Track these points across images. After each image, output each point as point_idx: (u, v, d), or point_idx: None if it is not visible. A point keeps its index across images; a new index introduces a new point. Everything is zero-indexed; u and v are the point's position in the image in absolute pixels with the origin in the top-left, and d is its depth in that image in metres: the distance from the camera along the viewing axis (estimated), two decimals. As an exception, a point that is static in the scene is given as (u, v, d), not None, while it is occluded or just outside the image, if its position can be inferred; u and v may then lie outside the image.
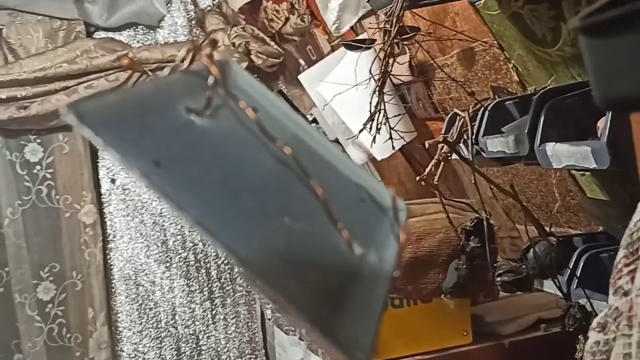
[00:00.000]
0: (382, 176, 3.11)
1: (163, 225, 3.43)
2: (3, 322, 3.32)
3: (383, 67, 1.51)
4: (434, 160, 1.73)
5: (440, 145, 1.78)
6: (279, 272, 0.52)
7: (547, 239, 1.52)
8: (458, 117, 1.80)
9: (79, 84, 3.12)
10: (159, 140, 0.54)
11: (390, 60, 1.50)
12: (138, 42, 3.32)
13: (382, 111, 1.56)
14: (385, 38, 1.55)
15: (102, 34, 3.30)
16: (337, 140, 2.93)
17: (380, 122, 1.56)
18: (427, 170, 1.73)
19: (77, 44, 3.15)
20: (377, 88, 1.53)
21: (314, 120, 3.09)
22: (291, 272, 0.53)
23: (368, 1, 1.65)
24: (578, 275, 1.74)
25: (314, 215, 0.59)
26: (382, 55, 1.56)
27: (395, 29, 1.44)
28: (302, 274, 0.54)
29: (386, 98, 1.77)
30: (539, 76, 1.93)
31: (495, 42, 1.98)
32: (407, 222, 0.67)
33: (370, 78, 1.59)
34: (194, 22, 3.26)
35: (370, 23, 2.24)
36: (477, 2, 1.94)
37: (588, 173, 2.03)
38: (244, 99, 0.64)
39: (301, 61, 3.02)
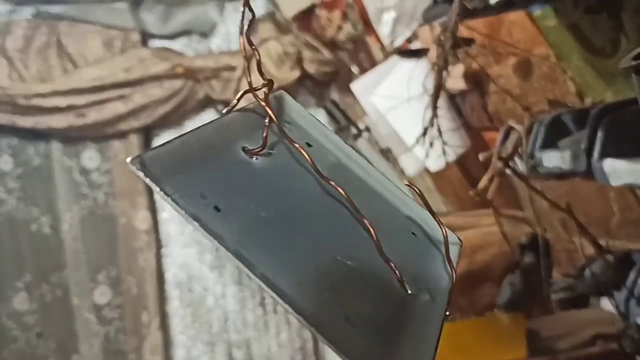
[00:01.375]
0: (436, 186, 3.08)
1: (216, 232, 3.45)
2: (62, 325, 3.41)
3: (437, 81, 1.49)
4: (487, 175, 1.71)
5: (495, 159, 1.75)
6: (330, 313, 0.52)
7: (604, 257, 1.48)
8: (513, 130, 1.77)
9: (135, 92, 3.18)
10: (218, 185, 0.55)
11: (444, 74, 1.48)
12: (192, 50, 3.37)
13: (436, 125, 1.54)
14: (440, 51, 1.53)
15: (156, 42, 3.36)
16: (389, 150, 2.92)
17: (434, 137, 1.54)
18: (481, 184, 1.70)
19: (133, 52, 3.21)
20: (431, 102, 1.51)
21: (367, 129, 3.08)
22: (342, 311, 0.53)
23: (422, 14, 1.63)
24: (635, 293, 1.69)
25: (367, 254, 0.59)
26: (436, 68, 1.54)
27: (450, 44, 1.42)
28: (353, 313, 0.54)
29: (440, 111, 1.75)
30: (597, 87, 1.88)
31: (552, 52, 1.94)
32: (459, 256, 0.66)
33: (423, 92, 1.57)
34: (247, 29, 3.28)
35: (422, 31, 2.23)
36: (534, 12, 1.91)
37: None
38: (298, 134, 0.65)
39: (354, 69, 3.02)
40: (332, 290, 0.55)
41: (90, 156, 3.38)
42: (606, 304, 1.73)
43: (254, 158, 0.59)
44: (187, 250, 3.46)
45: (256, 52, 0.63)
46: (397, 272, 0.58)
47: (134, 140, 3.33)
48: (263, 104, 0.60)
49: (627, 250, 1.92)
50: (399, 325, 0.57)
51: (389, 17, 1.56)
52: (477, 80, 2.31)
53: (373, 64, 2.83)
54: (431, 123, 1.55)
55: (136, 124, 3.25)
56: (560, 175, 1.74)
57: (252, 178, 0.58)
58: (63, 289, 3.41)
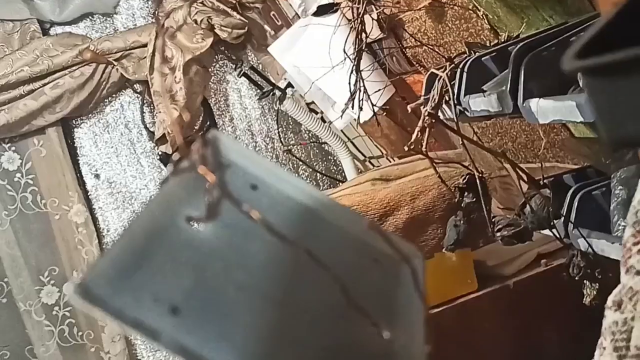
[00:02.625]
0: (365, 132, 3.10)
1: (154, 212, 3.41)
2: (13, 332, 3.33)
3: (357, 45, 1.48)
4: (418, 127, 1.73)
5: (424, 109, 1.77)
6: None
7: (540, 193, 1.53)
8: (437, 78, 1.79)
9: (44, 84, 3.05)
10: (170, 278, 0.52)
11: (363, 36, 1.47)
12: (97, 32, 3.23)
13: (362, 87, 1.54)
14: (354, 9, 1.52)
15: (58, 30, 3.21)
16: (314, 104, 2.91)
17: (362, 100, 1.54)
18: (414, 137, 1.72)
19: (34, 44, 3.05)
20: (354, 66, 1.51)
21: (289, 85, 3.05)
22: None
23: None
24: (574, 217, 1.76)
25: (337, 309, 0.58)
26: (353, 20, 1.53)
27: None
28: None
29: (363, 65, 1.75)
30: (510, 21, 1.91)
31: (462, -9, 1.95)
32: (424, 273, 0.66)
33: (345, 58, 1.56)
34: (150, 2, 3.16)
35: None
36: (439, -46, 1.90)
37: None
38: (240, 178, 0.63)
39: (267, 27, 2.96)
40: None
41: (9, 158, 3.25)
42: (545, 232, 1.80)
43: (201, 227, 0.57)
44: (129, 236, 3.40)
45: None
46: (371, 319, 0.57)
47: (53, 134, 3.20)
48: (202, 171, 0.57)
49: (559, 174, 1.99)
50: None
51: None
52: (391, 26, 2.31)
53: (285, 19, 2.79)
54: (357, 87, 1.55)
55: (52, 118, 3.12)
56: (488, 117, 1.78)
57: (202, 254, 0.56)
58: (7, 297, 3.32)
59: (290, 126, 3.34)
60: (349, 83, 1.53)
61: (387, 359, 0.56)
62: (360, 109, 1.60)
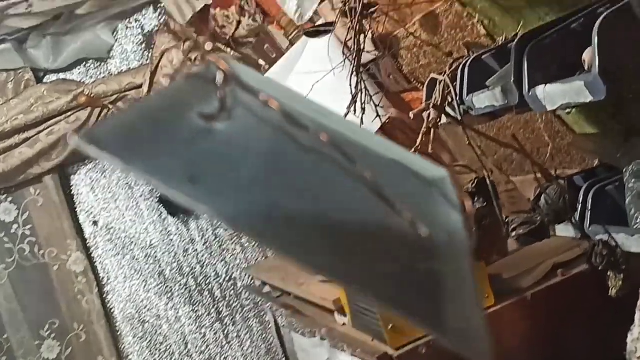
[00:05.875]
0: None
1: (156, 257, 3.35)
2: (13, 390, 3.22)
3: (356, 45, 1.46)
4: (424, 129, 1.69)
5: (427, 113, 1.74)
6: (359, 272, 0.47)
7: (556, 181, 1.49)
8: (438, 81, 1.77)
9: (39, 132, 3.03)
10: (183, 157, 0.48)
11: (362, 37, 1.46)
12: (91, 77, 3.23)
13: (364, 90, 1.51)
14: (352, 16, 1.50)
15: (52, 77, 3.21)
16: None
17: (364, 102, 1.51)
18: (420, 140, 1.69)
19: (29, 92, 3.05)
20: (354, 68, 1.49)
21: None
22: (368, 270, 0.48)
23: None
24: (590, 212, 1.72)
25: (367, 203, 0.54)
26: (351, 34, 1.51)
27: (361, 4, 1.39)
28: (381, 267, 0.48)
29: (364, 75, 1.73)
30: (507, 25, 1.90)
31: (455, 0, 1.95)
32: (456, 188, 0.62)
33: (345, 59, 1.54)
34: (143, 45, 3.18)
35: (323, 8, 2.20)
36: (431, -36, 1.91)
37: (574, 110, 2.02)
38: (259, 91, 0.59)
39: (261, 62, 2.96)
40: (346, 251, 0.49)
41: (5, 209, 3.20)
42: (562, 230, 1.74)
43: (215, 124, 0.53)
44: (130, 283, 3.33)
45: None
46: (405, 215, 0.53)
47: (50, 182, 3.17)
48: (213, 58, 0.53)
49: (569, 176, 1.96)
50: (429, 272, 0.52)
51: (293, -7, 1.53)
52: (387, 44, 2.30)
53: (280, 52, 2.79)
54: (359, 89, 1.52)
55: (48, 165, 3.09)
56: (494, 115, 1.75)
57: (219, 144, 0.52)
58: (8, 354, 3.21)
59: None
60: (351, 93, 1.51)
61: (427, 253, 0.52)
62: (363, 111, 1.57)
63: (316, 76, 2.03)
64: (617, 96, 1.35)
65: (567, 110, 2.03)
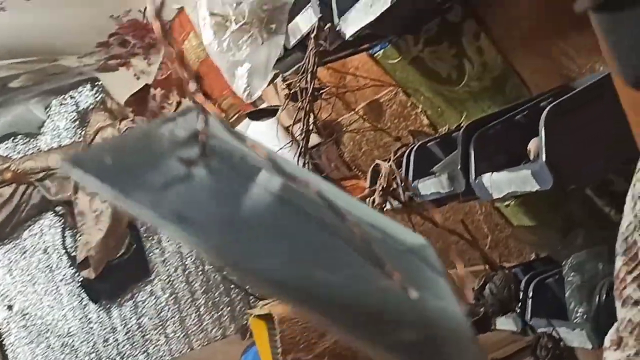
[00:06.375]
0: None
1: (73, 346, 3.13)
2: None
3: (305, 126, 1.44)
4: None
5: (370, 199, 1.72)
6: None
7: (502, 271, 1.47)
8: (383, 167, 1.76)
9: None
10: (165, 195, 0.43)
11: (311, 118, 1.44)
12: (19, 152, 3.10)
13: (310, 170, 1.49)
14: (302, 96, 1.49)
15: (-23, 152, 3.07)
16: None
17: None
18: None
19: (-51, 166, 2.89)
20: (301, 149, 1.46)
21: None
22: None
23: (275, 64, 1.60)
24: (531, 305, 1.71)
25: (353, 261, 0.49)
26: (300, 115, 1.50)
27: (312, 84, 1.38)
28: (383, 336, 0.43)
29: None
30: (450, 116, 1.94)
31: (400, 89, 1.99)
32: (437, 256, 0.58)
33: (292, 140, 1.52)
34: (77, 122, 3.10)
35: (267, 91, 2.20)
36: (376, 54, 1.94)
37: (513, 203, 2.04)
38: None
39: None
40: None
41: None
42: (501, 324, 1.72)
43: (194, 168, 0.48)
44: None
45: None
46: (395, 276, 0.48)
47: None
48: (198, 101, 0.49)
49: (508, 268, 1.95)
50: (427, 339, 0.47)
51: (243, 70, 1.51)
52: (330, 131, 2.31)
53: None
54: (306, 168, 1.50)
55: (-36, 243, 2.90)
56: (439, 202, 1.74)
57: (200, 187, 0.47)
58: None
59: (223, 247, 3.22)
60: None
61: (419, 316, 0.47)
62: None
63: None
64: (558, 189, 1.36)
65: (506, 203, 2.06)
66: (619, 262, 0.87)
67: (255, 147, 0.50)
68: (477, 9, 1.65)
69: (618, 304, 0.86)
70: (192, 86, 2.33)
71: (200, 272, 3.22)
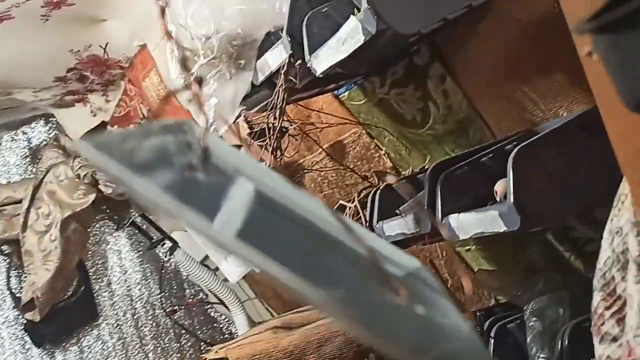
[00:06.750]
0: (255, 292, 2.96)
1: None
2: None
3: (271, 163, 1.43)
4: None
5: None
6: None
7: (469, 314, 1.46)
8: (347, 207, 1.75)
9: None
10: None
11: (278, 154, 1.43)
12: (-36, 188, 2.98)
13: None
14: (269, 133, 1.48)
15: None
16: (207, 257, 2.78)
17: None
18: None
19: None
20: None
21: (175, 243, 2.92)
22: None
23: (242, 101, 1.58)
24: (493, 350, 1.71)
25: (357, 277, 0.47)
26: (267, 152, 1.48)
27: (281, 121, 1.37)
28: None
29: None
30: (413, 158, 1.94)
31: (364, 131, 1.99)
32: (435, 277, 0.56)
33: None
34: (28, 159, 3.00)
35: (228, 132, 2.18)
36: (341, 95, 1.95)
37: (474, 247, 2.05)
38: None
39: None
40: None
41: None
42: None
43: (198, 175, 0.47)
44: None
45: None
46: (401, 291, 0.47)
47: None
48: (198, 103, 0.48)
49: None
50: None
51: (210, 105, 1.50)
52: (290, 171, 2.30)
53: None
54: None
55: None
56: (404, 244, 1.73)
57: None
58: None
59: (174, 290, 3.13)
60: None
61: (426, 329, 0.46)
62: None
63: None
64: (525, 230, 1.37)
65: (467, 247, 2.07)
66: (596, 297, 0.86)
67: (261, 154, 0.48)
68: (443, 52, 1.67)
69: (596, 340, 0.85)
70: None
71: (150, 317, 3.12)
